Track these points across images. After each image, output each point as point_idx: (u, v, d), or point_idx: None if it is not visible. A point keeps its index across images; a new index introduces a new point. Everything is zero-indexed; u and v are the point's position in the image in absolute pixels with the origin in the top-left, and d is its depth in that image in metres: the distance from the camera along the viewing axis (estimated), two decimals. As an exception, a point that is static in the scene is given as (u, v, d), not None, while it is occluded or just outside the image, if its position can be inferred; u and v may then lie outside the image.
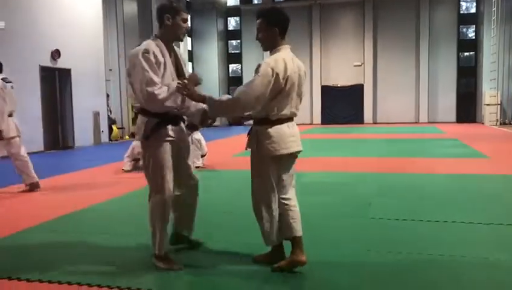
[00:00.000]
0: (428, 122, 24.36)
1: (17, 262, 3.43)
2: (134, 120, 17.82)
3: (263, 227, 3.10)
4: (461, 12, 24.95)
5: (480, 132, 17.26)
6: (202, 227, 3.78)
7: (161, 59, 3.14)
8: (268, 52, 3.19)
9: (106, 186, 6.86)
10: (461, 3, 24.96)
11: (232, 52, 28.49)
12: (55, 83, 13.17)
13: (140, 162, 8.22)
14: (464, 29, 25.26)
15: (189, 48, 26.33)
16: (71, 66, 13.34)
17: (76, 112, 13.55)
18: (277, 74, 2.93)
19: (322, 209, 4.96)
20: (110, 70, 17.06)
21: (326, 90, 26.00)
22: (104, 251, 3.69)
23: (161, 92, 3.03)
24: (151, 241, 3.23)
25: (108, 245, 3.82)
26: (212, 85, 26.72)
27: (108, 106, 15.88)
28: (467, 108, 24.59)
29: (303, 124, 25.85)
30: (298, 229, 3.08)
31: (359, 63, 25.42)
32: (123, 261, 3.42)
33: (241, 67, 27.75)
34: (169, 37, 3.31)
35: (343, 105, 25.56)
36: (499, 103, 21.05)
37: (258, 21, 3.14)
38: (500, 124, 20.64)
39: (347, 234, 4.03)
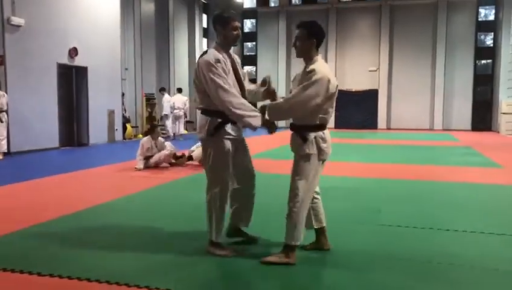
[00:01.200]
0: (443, 130, 24.13)
1: (34, 254, 3.51)
2: (147, 119, 17.98)
3: (296, 222, 3.33)
4: (479, 19, 24.69)
5: (495, 140, 17.06)
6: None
7: (226, 67, 3.47)
8: (301, 58, 3.52)
9: (118, 184, 6.94)
10: (480, 10, 24.70)
11: (248, 54, 28.55)
12: (72, 81, 13.35)
13: (151, 160, 8.43)
14: (482, 37, 24.99)
15: (205, 49, 26.42)
16: (88, 64, 13.51)
17: (92, 110, 13.71)
18: (329, 81, 3.28)
19: (331, 214, 4.93)
20: (126, 69, 17.24)
21: (341, 95, 25.00)
22: (117, 248, 3.74)
23: (237, 111, 3.34)
24: (208, 229, 3.53)
25: (120, 243, 3.88)
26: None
27: (123, 104, 16.04)
28: (483, 116, 24.30)
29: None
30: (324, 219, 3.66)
31: (374, 68, 25.30)
32: (139, 259, 3.47)
33: (256, 69, 27.78)
34: (225, 45, 3.61)
35: (357, 110, 25.44)
36: (516, 111, 20.77)
37: (298, 30, 3.43)
38: (516, 133, 20.36)
39: (356, 240, 4.03)
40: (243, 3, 27.15)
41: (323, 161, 3.44)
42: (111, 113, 14.70)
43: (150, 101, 18.89)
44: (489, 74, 24.45)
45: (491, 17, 24.61)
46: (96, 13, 14.02)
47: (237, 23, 3.60)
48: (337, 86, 3.41)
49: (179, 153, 8.85)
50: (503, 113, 21.04)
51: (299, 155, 3.38)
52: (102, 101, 14.21)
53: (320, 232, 3.68)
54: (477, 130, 23.68)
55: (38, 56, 11.66)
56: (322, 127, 3.38)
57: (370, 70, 25.30)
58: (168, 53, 21.12)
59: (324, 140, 3.38)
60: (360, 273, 3.22)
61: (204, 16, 26.30)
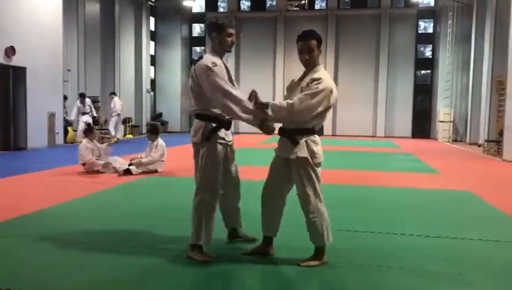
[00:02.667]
0: (385, 136, 25.02)
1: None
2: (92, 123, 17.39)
3: (323, 225, 3.46)
4: (419, 31, 25.89)
5: (433, 147, 17.88)
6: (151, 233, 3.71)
7: (223, 69, 3.55)
8: (307, 68, 3.61)
9: (56, 190, 6.64)
10: (419, 22, 25.91)
11: (197, 58, 28.34)
12: (9, 82, 12.68)
13: (99, 162, 8.10)
14: (422, 48, 26.23)
15: (152, 53, 26.03)
16: (27, 64, 12.89)
17: (30, 112, 13.08)
18: (332, 92, 3.40)
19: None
20: (69, 71, 16.64)
21: (288, 101, 26.24)
22: (52, 258, 3.56)
23: (238, 109, 3.39)
24: (193, 232, 3.51)
25: (56, 251, 3.70)
26: (174, 91, 26.52)
27: (64, 107, 15.43)
28: (422, 124, 25.46)
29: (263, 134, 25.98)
30: None
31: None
32: (79, 267, 3.32)
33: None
34: (220, 51, 3.67)
35: (303, 116, 25.86)
36: (452, 120, 21.91)
37: (306, 41, 3.46)
38: (453, 140, 21.47)
39: (299, 244, 4.05)
40: (191, 8, 26.97)
41: (319, 164, 3.48)
42: (51, 116, 14.09)
43: (94, 104, 18.29)
44: (428, 84, 25.68)
45: (430, 30, 25.89)
46: (37, 12, 13.43)
47: (232, 30, 3.66)
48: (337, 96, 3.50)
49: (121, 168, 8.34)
50: (440, 121, 22.14)
51: (291, 160, 3.41)
52: (42, 103, 13.60)
53: (269, 240, 3.71)
54: (417, 137, 24.75)
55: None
56: (313, 131, 3.46)
57: (317, 78, 25.80)
58: (114, 55, 20.60)
59: (316, 143, 3.45)
60: (300, 276, 3.24)
61: (152, 19, 25.89)
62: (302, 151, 3.37)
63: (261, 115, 3.42)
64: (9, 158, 11.03)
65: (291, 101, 3.34)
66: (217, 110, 3.54)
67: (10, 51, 12.25)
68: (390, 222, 4.94)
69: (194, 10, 27.75)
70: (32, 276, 3.14)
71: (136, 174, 8.00)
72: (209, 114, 3.55)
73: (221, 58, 3.65)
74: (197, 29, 28.35)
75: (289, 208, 3.77)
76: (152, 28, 25.91)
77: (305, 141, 3.39)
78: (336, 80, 25.83)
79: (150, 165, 8.33)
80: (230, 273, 3.32)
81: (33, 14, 13.23)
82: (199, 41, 28.00)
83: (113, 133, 16.41)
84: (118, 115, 16.81)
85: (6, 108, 12.62)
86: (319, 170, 3.49)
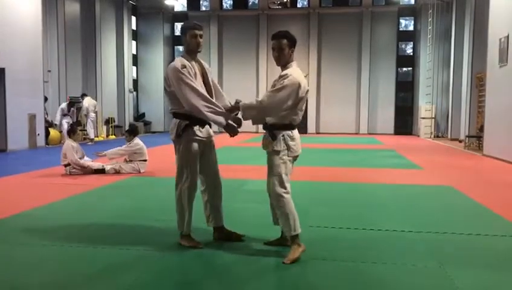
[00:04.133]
0: (368, 134, 25.23)
1: None
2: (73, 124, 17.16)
3: (289, 217, 3.55)
4: (400, 29, 26.15)
5: (415, 143, 18.09)
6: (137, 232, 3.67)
7: (192, 71, 3.72)
8: (280, 66, 3.77)
9: (39, 191, 6.54)
10: (400, 20, 26.16)
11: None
12: (-13, 83, 12.47)
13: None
14: (403, 46, 26.48)
15: (134, 52, 25.81)
16: (5, 65, 12.67)
17: (10, 114, 12.87)
18: (300, 85, 3.56)
19: (260, 217, 4.98)
20: (49, 71, 16.40)
21: (272, 100, 26.28)
22: (37, 259, 3.51)
23: (205, 109, 3.60)
24: (177, 223, 3.83)
25: (41, 253, 3.64)
26: (156, 91, 26.32)
27: (45, 108, 15.20)
28: (404, 121, 25.73)
29: (249, 132, 25.98)
30: None
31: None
32: (60, 270, 3.27)
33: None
34: (189, 52, 3.86)
35: (287, 114, 25.92)
36: (433, 116, 22.20)
37: (278, 41, 3.65)
38: (434, 136, 21.75)
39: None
40: (173, 7, 26.82)
41: (294, 158, 3.69)
42: (32, 118, 13.87)
43: (75, 106, 18.07)
44: (409, 81, 25.95)
45: (411, 28, 26.16)
46: (16, 12, 13.20)
47: (197, 32, 3.81)
48: (308, 90, 3.72)
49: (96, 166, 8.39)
50: (422, 117, 22.41)
51: (269, 152, 3.65)
52: (22, 105, 13.38)
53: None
54: (399, 134, 25.00)
55: None
56: (290, 126, 3.64)
57: (300, 76, 25.87)
58: (95, 55, 20.35)
59: (292, 138, 3.64)
60: (284, 273, 3.25)
61: (134, 18, 25.67)
62: (278, 145, 3.58)
63: (227, 116, 3.69)
64: (-12, 161, 10.83)
65: (259, 99, 3.56)
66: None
67: (-12, 52, 12.03)
68: (373, 218, 4.98)
69: (176, 9, 27.60)
70: (9, 280, 3.09)
71: (113, 173, 8.05)
72: (183, 112, 3.73)
73: (193, 58, 3.86)
74: (179, 28, 28.16)
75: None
76: (134, 27, 25.69)
77: (282, 136, 3.59)
78: (318, 78, 25.98)
79: (132, 165, 8.31)
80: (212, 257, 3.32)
81: (12, 15, 13.00)
82: (182, 40, 27.81)
83: (91, 135, 16.29)
84: (94, 113, 16.75)
85: (-15, 110, 12.39)
86: (290, 163, 3.66)
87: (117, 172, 8.20)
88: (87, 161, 8.39)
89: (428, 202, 6.09)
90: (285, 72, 3.61)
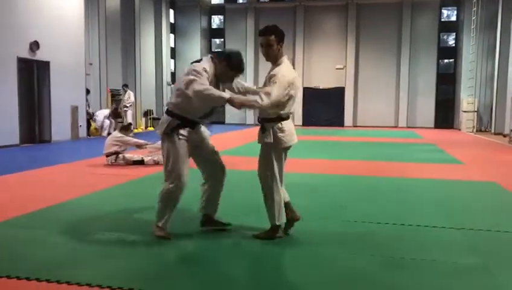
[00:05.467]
0: (407, 127, 24.70)
1: (-14, 257, 3.36)
2: (112, 115, 17.61)
3: (274, 207, 3.75)
4: (442, 19, 25.37)
5: (457, 138, 17.58)
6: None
7: (208, 79, 3.65)
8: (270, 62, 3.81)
9: (83, 181, 6.76)
10: (442, 10, 25.37)
11: (215, 50, 28.39)
12: (33, 76, 12.93)
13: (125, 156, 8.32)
14: (444, 37, 25.69)
15: (172, 45, 26.16)
16: (50, 58, 13.12)
17: (54, 106, 13.33)
18: (290, 83, 3.65)
19: (298, 210, 4.98)
20: (91, 64, 16.84)
21: (308, 92, 26.13)
22: (81, 247, 3.64)
23: (215, 94, 3.55)
24: (157, 214, 3.84)
25: (82, 243, 3.77)
26: (194, 83, 26.61)
27: (87, 100, 15.66)
28: (445, 114, 25.02)
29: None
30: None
31: (341, 66, 25.62)
32: (103, 257, 3.38)
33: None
34: (221, 75, 3.83)
35: (324, 107, 25.73)
36: (476, 110, 21.47)
37: (265, 37, 3.68)
38: (477, 130, 21.05)
39: (322, 236, 4.06)
40: (210, 0, 26.99)
41: (285, 149, 3.80)
42: (74, 109, 14.33)
43: (115, 97, 18.53)
44: (451, 73, 25.18)
45: (453, 18, 25.33)
46: (60, 7, 13.61)
47: (238, 74, 3.87)
48: (299, 86, 3.84)
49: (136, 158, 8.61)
50: (464, 111, 21.72)
51: (261, 144, 3.78)
52: (66, 97, 13.84)
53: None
54: (440, 127, 24.36)
55: (-4, 49, 11.25)
56: (280, 118, 3.71)
57: (337, 68, 25.60)
58: (134, 48, 20.76)
59: (282, 130, 3.71)
60: (326, 266, 3.24)
61: (171, 11, 25.99)
62: (268, 138, 3.69)
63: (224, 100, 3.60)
64: (35, 150, 11.28)
65: (259, 101, 3.56)
66: (189, 115, 3.75)
67: (34, 46, 12.47)
68: (412, 214, 4.89)
69: (214, 2, 27.74)
70: (58, 267, 3.21)
71: (152, 164, 8.21)
72: (178, 113, 3.74)
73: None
74: (216, 20, 28.34)
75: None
76: (172, 20, 26.02)
77: (272, 128, 3.69)
78: (356, 70, 25.59)
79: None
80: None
81: (56, 9, 13.42)
82: (218, 32, 28.00)
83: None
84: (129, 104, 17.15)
85: (31, 102, 12.88)
86: (281, 155, 3.80)
87: (156, 163, 8.36)
88: (127, 153, 8.60)
89: (470, 198, 5.92)
90: (274, 71, 3.65)
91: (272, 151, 3.73)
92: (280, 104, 3.65)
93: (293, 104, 3.80)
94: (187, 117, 3.75)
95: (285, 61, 3.76)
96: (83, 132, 14.86)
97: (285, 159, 3.90)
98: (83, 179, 7.04)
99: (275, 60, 3.73)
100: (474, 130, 21.04)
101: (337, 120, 25.50)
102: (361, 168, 8.47)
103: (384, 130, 21.82)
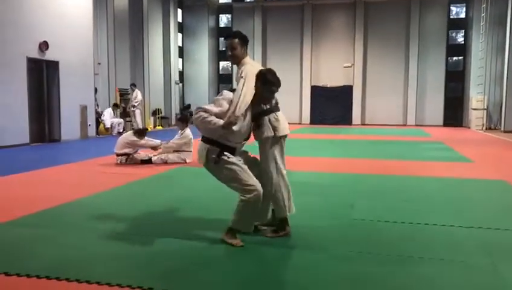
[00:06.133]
0: (416, 125, 24.57)
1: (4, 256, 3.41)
2: (121, 115, 17.73)
3: (282, 200, 3.81)
4: (451, 17, 25.18)
5: (466, 136, 17.46)
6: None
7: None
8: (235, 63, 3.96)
9: (93, 179, 6.82)
10: (451, 8, 25.19)
11: (223, 49, 28.42)
12: (43, 75, 13.04)
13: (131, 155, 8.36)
14: (453, 34, 25.50)
15: (180, 44, 26.23)
16: (59, 58, 13.22)
17: (64, 105, 13.44)
18: (253, 74, 3.75)
19: (305, 209, 4.99)
20: (99, 64, 16.95)
21: (316, 91, 26.10)
22: (91, 246, 3.67)
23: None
24: (235, 219, 3.69)
25: (91, 241, 3.81)
26: (202, 82, 26.69)
27: (96, 100, 15.77)
28: (454, 112, 24.84)
29: (292, 123, 25.90)
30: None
31: (349, 64, 25.53)
32: (113, 255, 3.41)
33: (232, 64, 27.63)
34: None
35: (332, 106, 25.67)
36: (485, 107, 21.30)
37: (234, 40, 3.87)
38: (486, 128, 20.89)
39: (329, 234, 4.06)
40: (218, -2, 27.03)
41: (282, 137, 3.85)
42: (83, 109, 14.43)
43: (124, 97, 18.63)
44: (460, 71, 24.99)
45: (462, 15, 25.13)
46: (68, 7, 13.72)
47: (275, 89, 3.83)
48: None
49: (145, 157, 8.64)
50: (474, 109, 21.56)
51: (261, 140, 3.82)
52: (75, 96, 13.95)
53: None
54: (448, 125, 24.20)
55: (6, 50, 11.36)
56: (270, 111, 3.83)
57: (345, 67, 25.52)
58: (142, 48, 20.85)
59: (277, 120, 3.82)
60: (334, 265, 3.25)
61: (179, 11, 26.05)
62: (267, 131, 3.78)
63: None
64: (45, 150, 11.38)
65: (231, 108, 3.62)
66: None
67: (44, 46, 12.58)
68: (420, 212, 4.88)
69: (221, 1, 27.77)
70: (68, 265, 3.25)
71: (160, 163, 8.24)
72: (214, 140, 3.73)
73: None
74: (224, 19, 28.37)
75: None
76: (179, 19, 26.08)
77: (268, 120, 3.79)
78: (364, 68, 25.50)
79: (178, 155, 8.50)
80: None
81: (64, 9, 13.52)
82: (226, 31, 27.98)
83: (140, 125, 16.69)
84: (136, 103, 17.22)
85: (40, 101, 13.00)
86: (280, 145, 3.85)
87: (164, 162, 8.41)
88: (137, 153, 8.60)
89: (478, 197, 5.89)
90: (239, 72, 3.81)
91: (272, 144, 3.80)
92: (251, 97, 3.70)
93: (274, 94, 3.88)
94: (226, 144, 3.70)
95: (249, 60, 3.94)
96: (92, 131, 14.97)
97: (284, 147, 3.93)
98: (92, 178, 7.09)
99: (238, 61, 3.90)
100: (484, 128, 20.89)
101: (345, 118, 25.43)
102: (369, 167, 8.45)
103: (393, 129, 21.73)
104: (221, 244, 3.70)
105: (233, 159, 3.69)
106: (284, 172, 3.86)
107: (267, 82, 3.73)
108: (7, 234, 3.99)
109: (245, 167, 3.70)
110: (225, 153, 3.66)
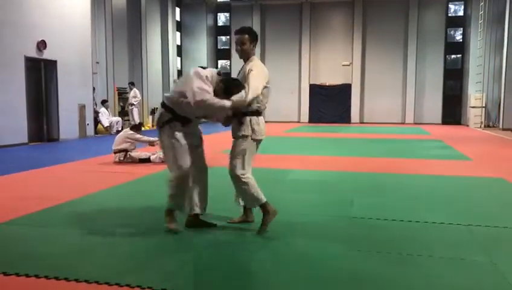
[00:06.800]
0: (414, 123, 24.59)
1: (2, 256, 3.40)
2: (120, 113, 17.73)
3: (248, 193, 3.89)
4: (449, 15, 25.20)
5: (464, 134, 17.48)
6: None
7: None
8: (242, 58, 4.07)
9: (90, 179, 6.81)
10: (449, 6, 25.20)
11: (222, 48, 28.42)
12: (41, 75, 13.02)
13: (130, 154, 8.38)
14: (452, 32, 25.52)
15: (178, 43, 26.19)
16: (57, 57, 13.20)
17: (62, 104, 13.42)
18: (267, 75, 3.97)
19: (305, 207, 5.00)
20: (97, 63, 16.92)
21: (315, 89, 26.10)
22: (90, 245, 3.67)
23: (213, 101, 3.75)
24: (169, 201, 3.99)
25: (91, 241, 3.81)
26: (200, 81, 26.63)
27: (94, 99, 15.75)
28: (453, 110, 24.88)
29: (291, 121, 25.92)
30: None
31: (347, 63, 25.54)
32: (112, 255, 3.41)
33: (230, 63, 27.69)
34: (222, 91, 3.89)
35: (330, 104, 25.69)
36: (484, 105, 21.32)
37: (244, 36, 3.97)
38: (485, 126, 20.91)
39: (328, 232, 4.06)
40: (216, -3, 26.99)
41: (257, 142, 3.96)
42: (82, 108, 14.41)
43: (122, 96, 18.61)
44: (458, 69, 25.02)
45: (460, 13, 25.15)
46: (66, 6, 13.69)
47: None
48: (268, 80, 3.99)
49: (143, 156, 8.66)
50: (472, 107, 21.58)
51: (237, 137, 3.91)
52: (73, 96, 13.93)
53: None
54: (447, 123, 24.23)
55: (4, 49, 11.33)
56: (257, 113, 3.93)
57: (343, 65, 25.53)
58: (141, 47, 20.83)
59: (258, 123, 3.92)
60: (332, 262, 3.25)
61: (177, 9, 26.01)
62: (246, 130, 3.88)
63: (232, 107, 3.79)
64: (43, 149, 11.36)
65: (245, 96, 3.76)
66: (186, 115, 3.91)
67: (42, 45, 12.55)
68: (419, 210, 4.88)
69: (219, -1, 27.75)
70: (67, 264, 3.24)
71: (158, 162, 8.25)
72: (172, 107, 3.92)
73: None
74: (222, 18, 28.34)
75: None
76: (178, 18, 26.04)
77: (250, 121, 3.88)
78: (362, 66, 25.52)
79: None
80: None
81: (62, 8, 13.49)
82: (224, 30, 28.00)
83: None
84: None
85: (39, 101, 12.98)
86: (254, 147, 3.95)
87: (162, 161, 8.39)
88: (134, 152, 8.64)
89: (477, 194, 5.90)
90: (250, 65, 3.90)
91: (248, 144, 3.89)
92: (259, 95, 3.83)
93: (267, 100, 4.01)
94: (180, 114, 3.91)
95: (256, 58, 4.04)
96: (90, 130, 14.95)
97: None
98: (91, 177, 7.09)
99: (247, 58, 4.00)
100: (482, 125, 20.91)
101: (343, 117, 25.44)
102: (368, 165, 8.45)
103: (391, 127, 21.74)
104: (223, 244, 3.70)
105: (179, 134, 3.89)
106: (250, 172, 3.94)
107: (225, 92, 3.83)
108: (6, 234, 3.99)
109: (186, 147, 3.90)
110: (176, 123, 3.88)
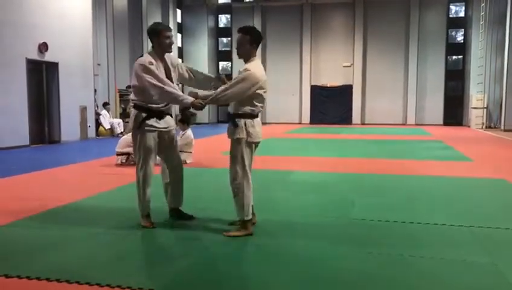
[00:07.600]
0: (416, 124, 24.57)
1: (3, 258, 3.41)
2: (121, 115, 17.73)
3: (239, 203, 3.88)
4: (450, 16, 25.19)
5: (466, 134, 17.46)
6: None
7: (158, 69, 4.07)
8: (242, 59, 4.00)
9: (92, 181, 6.81)
10: (450, 7, 25.20)
11: (223, 49, 28.45)
12: (42, 77, 13.04)
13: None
14: (453, 33, 25.52)
15: (179, 45, 26.22)
16: (59, 59, 13.22)
17: (63, 106, 13.44)
18: (257, 80, 3.81)
19: (305, 208, 5.00)
20: (99, 65, 16.95)
21: (316, 90, 26.11)
22: (91, 247, 3.67)
23: (169, 88, 3.93)
24: (137, 205, 4.24)
25: (94, 241, 3.81)
26: (201, 82, 26.65)
27: (95, 100, 15.76)
28: (454, 111, 24.85)
29: (292, 123, 25.93)
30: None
31: (348, 64, 25.54)
32: (112, 257, 3.41)
33: (231, 65, 27.72)
34: (158, 52, 4.18)
35: (332, 105, 25.68)
36: (485, 106, 21.30)
37: (243, 36, 3.88)
38: (486, 127, 20.89)
39: (329, 233, 4.06)
40: (217, -2, 27.03)
41: (255, 144, 3.94)
42: (83, 110, 14.43)
43: (124, 97, 18.62)
44: (460, 70, 25.01)
45: (462, 14, 25.15)
46: (67, 8, 13.71)
47: (169, 33, 4.15)
48: (266, 83, 3.92)
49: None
50: (473, 107, 21.56)
51: (232, 140, 3.91)
52: (74, 97, 13.94)
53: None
54: (448, 124, 24.21)
55: (5, 51, 11.35)
56: (251, 115, 3.89)
57: (344, 66, 25.54)
58: (142, 48, 20.86)
59: (252, 126, 3.88)
60: (333, 263, 3.24)
61: (178, 11, 26.05)
62: (240, 133, 3.85)
63: (188, 100, 3.91)
64: (45, 151, 11.37)
65: (223, 88, 3.84)
66: (153, 104, 4.05)
67: (43, 47, 12.57)
68: (420, 211, 4.87)
69: (220, 1, 27.77)
70: (69, 267, 3.25)
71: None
72: (142, 104, 4.08)
73: (161, 58, 4.17)
74: (223, 20, 28.37)
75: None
76: (179, 20, 26.08)
77: (244, 124, 3.84)
78: (363, 67, 25.52)
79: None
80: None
81: (64, 10, 13.52)
82: (226, 32, 28.04)
83: None
84: None
85: (40, 103, 12.99)
86: (251, 150, 3.93)
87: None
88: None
89: (478, 195, 5.89)
90: (245, 66, 3.84)
91: (243, 147, 3.86)
92: (240, 98, 3.80)
93: (263, 103, 3.97)
94: (151, 108, 4.05)
95: (257, 61, 3.95)
96: (91, 132, 14.96)
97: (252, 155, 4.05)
98: (93, 179, 7.09)
99: (246, 59, 3.92)
100: (484, 126, 20.89)
101: (344, 118, 25.44)
102: (369, 166, 8.45)
103: (393, 128, 21.72)
104: (224, 245, 3.70)
105: (151, 137, 4.07)
106: (250, 176, 3.92)
107: (159, 31, 4.07)
108: (7, 236, 3.99)
109: (152, 154, 4.16)
110: (149, 120, 4.03)
